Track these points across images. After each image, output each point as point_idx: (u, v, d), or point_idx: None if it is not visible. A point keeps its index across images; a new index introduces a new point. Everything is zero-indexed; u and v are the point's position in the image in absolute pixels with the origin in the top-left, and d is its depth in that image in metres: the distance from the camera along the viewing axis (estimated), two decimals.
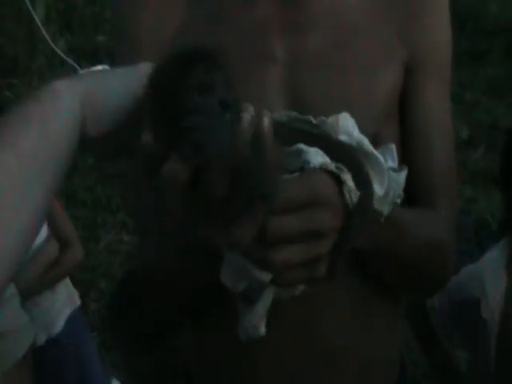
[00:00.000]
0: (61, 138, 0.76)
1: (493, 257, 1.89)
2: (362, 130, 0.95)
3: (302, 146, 0.89)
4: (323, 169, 0.88)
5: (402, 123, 1.12)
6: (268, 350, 1.08)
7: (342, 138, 0.93)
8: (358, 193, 0.89)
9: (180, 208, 0.81)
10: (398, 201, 0.98)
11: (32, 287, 2.11)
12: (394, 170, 0.98)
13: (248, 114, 0.79)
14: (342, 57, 1.07)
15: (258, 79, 1.05)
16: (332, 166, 0.88)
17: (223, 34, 1.06)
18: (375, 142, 0.98)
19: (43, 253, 2.37)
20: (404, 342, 1.25)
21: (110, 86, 0.80)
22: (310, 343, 1.10)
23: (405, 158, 1.09)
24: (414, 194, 1.10)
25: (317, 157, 0.88)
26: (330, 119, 0.93)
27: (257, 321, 0.95)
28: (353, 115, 0.95)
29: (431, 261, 1.11)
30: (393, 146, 1.01)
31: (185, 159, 0.77)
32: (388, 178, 0.95)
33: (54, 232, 2.39)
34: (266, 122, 0.81)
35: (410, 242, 1.06)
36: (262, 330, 0.95)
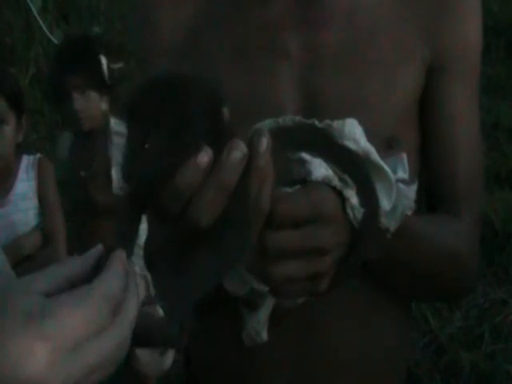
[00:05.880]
0: None
1: None
2: (379, 132, 0.91)
3: (305, 155, 0.85)
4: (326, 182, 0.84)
5: (423, 125, 1.07)
6: (269, 355, 1.06)
7: (348, 144, 0.87)
8: (362, 210, 0.84)
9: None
10: (409, 213, 0.92)
11: None
12: (403, 181, 0.92)
13: (239, 152, 0.75)
14: (359, 56, 1.03)
15: (270, 76, 1.02)
16: (335, 179, 0.84)
17: (236, 31, 1.04)
18: (391, 147, 0.93)
19: (15, 244, 2.31)
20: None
21: None
22: (312, 350, 1.07)
23: (426, 162, 1.06)
24: (436, 200, 1.06)
25: (320, 169, 0.84)
26: (336, 124, 0.86)
27: (259, 327, 0.94)
28: (369, 117, 0.91)
29: (446, 272, 1.05)
30: (404, 156, 0.94)
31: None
32: (396, 191, 0.89)
33: (43, 226, 2.34)
34: (264, 143, 0.76)
35: (423, 252, 1.01)
36: (264, 335, 0.94)
